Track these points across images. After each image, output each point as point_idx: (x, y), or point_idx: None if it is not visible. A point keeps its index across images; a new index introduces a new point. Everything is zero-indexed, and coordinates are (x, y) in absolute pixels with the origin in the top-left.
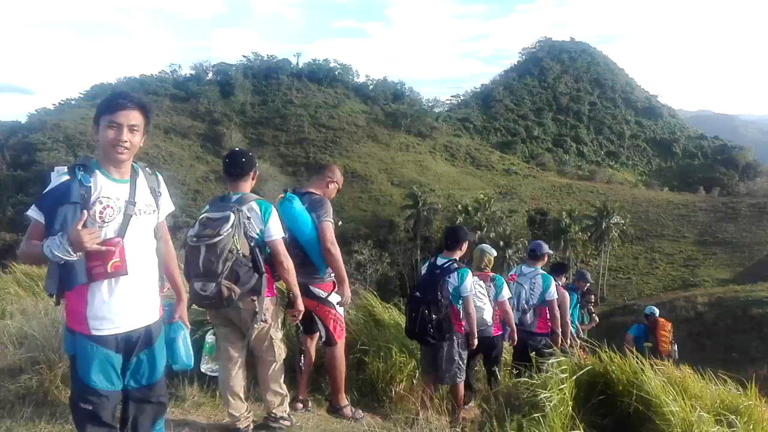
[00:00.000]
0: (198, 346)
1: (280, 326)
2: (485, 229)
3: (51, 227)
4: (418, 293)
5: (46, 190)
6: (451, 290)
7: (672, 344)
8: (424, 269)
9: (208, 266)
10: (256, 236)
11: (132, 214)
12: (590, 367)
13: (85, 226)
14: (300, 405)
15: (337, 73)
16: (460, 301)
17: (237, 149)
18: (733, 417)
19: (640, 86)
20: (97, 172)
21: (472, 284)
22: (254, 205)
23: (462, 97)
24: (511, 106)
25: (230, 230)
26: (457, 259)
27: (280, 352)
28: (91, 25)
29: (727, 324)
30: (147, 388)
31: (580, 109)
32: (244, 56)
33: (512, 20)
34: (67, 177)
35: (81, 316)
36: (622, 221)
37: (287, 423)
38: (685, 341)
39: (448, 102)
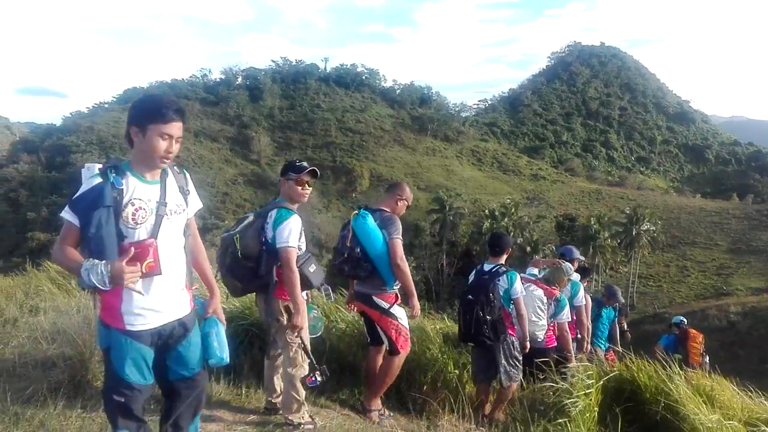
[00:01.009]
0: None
1: (299, 333)
2: (512, 234)
3: (86, 230)
4: (470, 296)
5: (79, 192)
6: (501, 293)
7: (703, 356)
8: (471, 277)
9: (218, 258)
10: (269, 240)
11: (164, 215)
12: (617, 373)
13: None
14: (375, 415)
15: (364, 77)
16: (512, 304)
17: (287, 161)
18: (765, 428)
19: (672, 91)
20: (129, 173)
21: (522, 287)
22: (274, 212)
23: (489, 102)
24: (540, 111)
25: (237, 231)
26: (503, 264)
27: (296, 357)
28: (123, 30)
29: (761, 334)
30: (190, 379)
31: (610, 114)
32: (272, 61)
33: (541, 24)
34: (99, 179)
35: (116, 312)
36: (653, 228)
37: (310, 427)
38: (718, 351)
39: (476, 106)
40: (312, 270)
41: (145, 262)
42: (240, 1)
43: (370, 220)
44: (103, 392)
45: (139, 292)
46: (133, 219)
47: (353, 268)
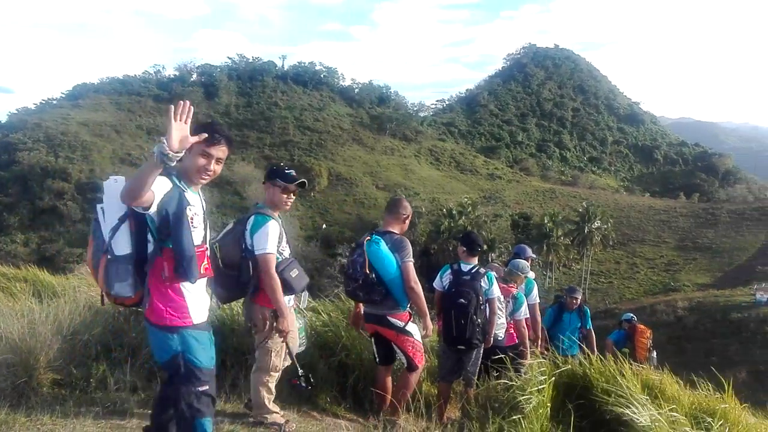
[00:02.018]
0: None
1: (277, 339)
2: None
3: (172, 224)
4: (462, 300)
5: (162, 192)
6: (483, 294)
7: (650, 351)
8: (447, 277)
9: None
10: (248, 247)
11: (207, 222)
12: (569, 369)
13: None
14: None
15: (322, 76)
16: (486, 304)
17: (273, 163)
18: (710, 419)
19: (623, 93)
20: (182, 182)
21: (498, 288)
22: (252, 218)
23: (447, 102)
24: (496, 111)
25: (217, 240)
26: (478, 264)
27: (269, 362)
28: (72, 25)
29: (706, 328)
30: None
31: (563, 115)
32: (228, 58)
33: (497, 26)
34: (170, 183)
35: (184, 309)
36: (604, 226)
37: (276, 427)
38: (666, 345)
39: (433, 106)
40: (294, 275)
41: (202, 265)
42: None
43: (383, 246)
44: (179, 395)
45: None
46: (191, 222)
47: (368, 293)
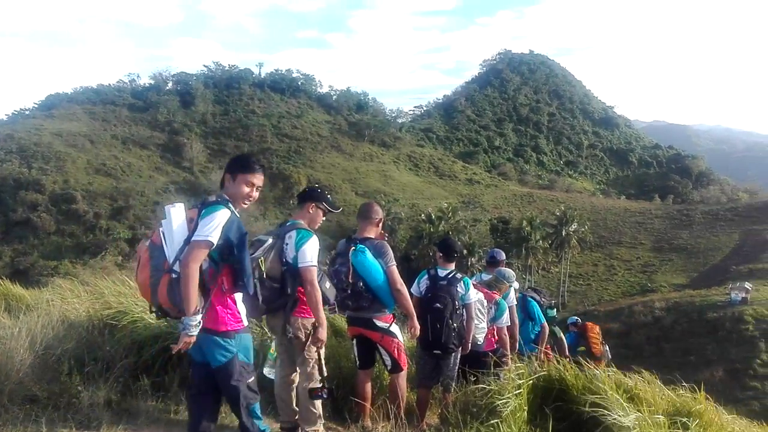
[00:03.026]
0: (263, 351)
1: (316, 349)
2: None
3: (235, 250)
4: (438, 304)
5: (221, 221)
6: (459, 299)
7: (603, 345)
8: (424, 282)
9: None
10: (290, 261)
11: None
12: (545, 373)
13: None
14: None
15: (299, 83)
16: (463, 308)
17: (316, 185)
18: (686, 420)
19: (597, 97)
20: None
21: (475, 293)
22: (294, 233)
23: (425, 108)
24: (473, 117)
25: (260, 254)
26: (455, 269)
27: (313, 372)
28: (45, 34)
29: (683, 328)
30: None
31: (539, 120)
32: (204, 66)
33: (472, 33)
34: (228, 211)
35: (239, 316)
36: (582, 229)
37: None
38: (644, 346)
39: (411, 113)
40: (327, 287)
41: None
42: (170, 5)
43: (369, 254)
44: (239, 389)
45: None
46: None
47: (356, 301)
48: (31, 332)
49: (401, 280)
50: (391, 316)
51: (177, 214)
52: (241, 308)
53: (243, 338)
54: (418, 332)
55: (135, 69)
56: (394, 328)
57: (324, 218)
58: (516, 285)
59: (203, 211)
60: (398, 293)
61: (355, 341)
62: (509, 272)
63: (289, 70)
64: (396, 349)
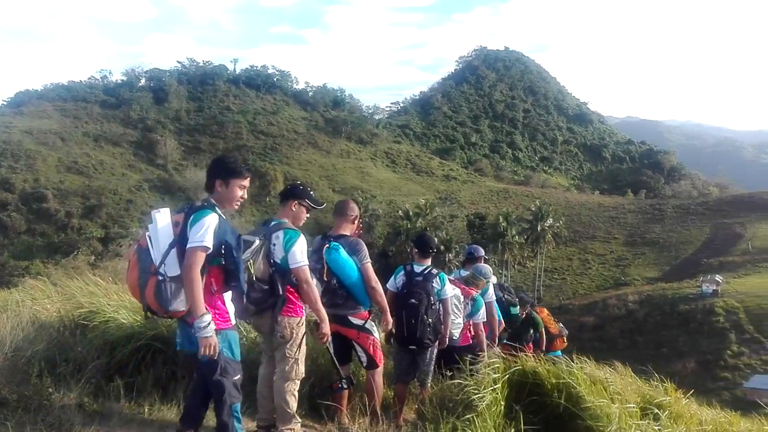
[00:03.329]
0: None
1: (301, 347)
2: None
3: (226, 253)
4: (413, 300)
5: (212, 226)
6: (435, 294)
7: (557, 322)
8: (400, 278)
9: None
10: (279, 262)
11: None
12: (520, 367)
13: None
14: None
15: (275, 79)
16: (439, 304)
17: (297, 183)
18: (658, 411)
19: (571, 94)
20: (219, 210)
21: (451, 288)
22: (281, 233)
23: (401, 105)
24: (449, 113)
25: (249, 256)
26: (431, 265)
27: (293, 370)
28: (13, 29)
29: (656, 320)
30: None
31: (515, 116)
32: (178, 62)
33: (449, 29)
34: (216, 215)
35: (227, 315)
36: (557, 224)
37: None
38: (618, 338)
39: (388, 109)
40: (315, 284)
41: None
42: (142, 0)
43: (343, 252)
44: (222, 385)
45: None
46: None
47: (331, 298)
48: (0, 334)
49: (376, 278)
50: (367, 313)
51: (162, 218)
52: (230, 307)
53: (228, 335)
54: (389, 327)
55: (107, 65)
56: (370, 325)
57: (308, 215)
58: (494, 280)
59: (192, 216)
60: (372, 290)
61: (330, 338)
62: (486, 268)
63: (264, 66)
64: (371, 346)
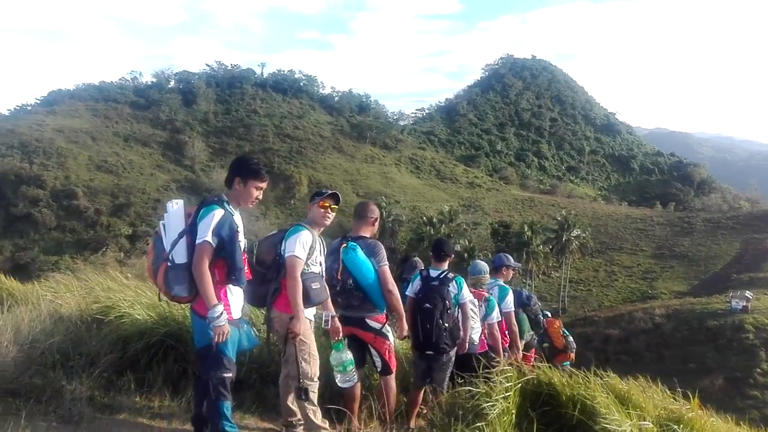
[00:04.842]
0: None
1: (305, 346)
2: (452, 241)
3: (226, 248)
4: (428, 305)
5: (215, 221)
6: (452, 298)
7: (566, 337)
8: (417, 283)
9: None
10: (282, 253)
11: (245, 237)
12: (534, 377)
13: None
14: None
15: (302, 84)
16: (458, 309)
17: (325, 190)
18: (676, 427)
19: (599, 104)
20: (229, 206)
21: (469, 292)
22: (291, 227)
23: (426, 111)
24: (475, 121)
25: (256, 240)
26: (448, 269)
27: (298, 370)
28: (47, 30)
29: (684, 335)
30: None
31: (541, 125)
32: (207, 65)
33: (474, 37)
34: (222, 210)
35: (227, 308)
36: (583, 234)
37: None
38: (644, 352)
39: (413, 115)
40: (315, 287)
41: (245, 271)
42: (172, 3)
43: (360, 252)
44: (209, 378)
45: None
46: (239, 239)
47: (346, 299)
48: (17, 326)
49: (393, 281)
50: (384, 316)
51: (175, 209)
52: (233, 302)
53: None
54: (405, 333)
55: (137, 67)
56: (386, 330)
57: (329, 212)
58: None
59: (201, 211)
60: (389, 294)
61: (346, 341)
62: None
63: (291, 71)
64: (387, 351)
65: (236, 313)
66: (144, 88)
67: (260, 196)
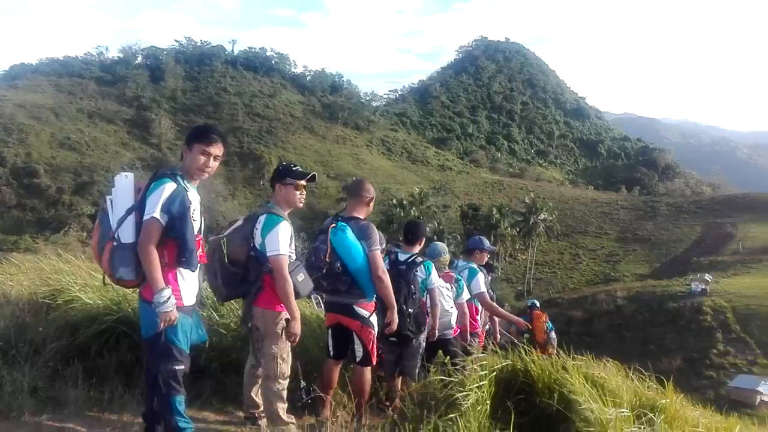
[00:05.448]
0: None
1: (280, 343)
2: (424, 225)
3: (176, 227)
4: None
5: (165, 196)
6: (419, 283)
7: (548, 332)
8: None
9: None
10: (257, 247)
11: (204, 215)
12: (509, 364)
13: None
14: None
15: (273, 62)
16: (426, 294)
17: (278, 165)
18: (652, 414)
19: (570, 88)
20: (183, 181)
21: (438, 277)
22: (263, 217)
23: (399, 92)
24: (447, 103)
25: (224, 235)
26: (417, 253)
27: (272, 368)
28: (10, 2)
29: (644, 317)
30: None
31: (512, 108)
32: (176, 41)
33: (449, 17)
34: (174, 184)
35: (177, 293)
36: (550, 218)
37: None
38: (606, 333)
39: (386, 96)
40: (300, 279)
41: (198, 253)
42: None
43: (350, 234)
44: (158, 371)
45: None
46: (192, 216)
47: (332, 283)
48: None
49: (384, 268)
50: (373, 305)
51: (123, 183)
52: (185, 288)
53: (177, 318)
54: (395, 325)
55: (103, 41)
56: (374, 319)
57: (301, 193)
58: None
59: (151, 185)
60: (379, 280)
61: (330, 330)
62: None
63: (262, 49)
64: (371, 342)
65: (188, 300)
66: (110, 64)
67: (212, 164)
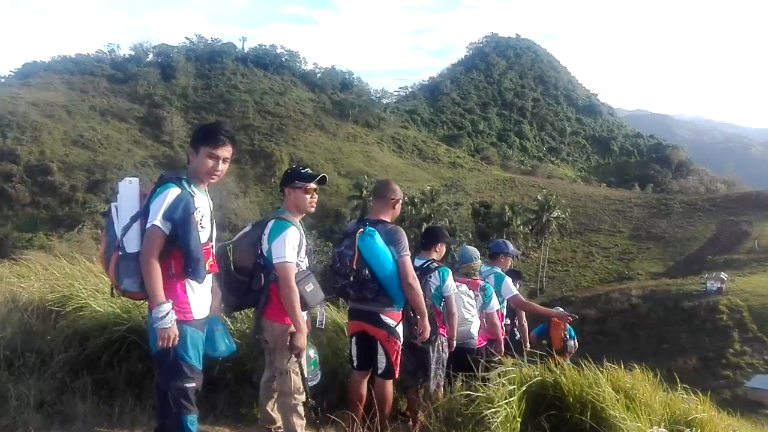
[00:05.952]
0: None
1: (295, 360)
2: (432, 222)
3: (180, 234)
4: None
5: (167, 202)
6: (432, 290)
7: (566, 340)
8: None
9: None
10: (265, 254)
11: (214, 221)
12: (539, 378)
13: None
14: None
15: (284, 59)
16: (442, 302)
17: (287, 169)
18: (688, 430)
19: (582, 84)
20: (190, 185)
21: (454, 283)
22: (272, 222)
23: (410, 90)
24: (458, 100)
25: (231, 241)
26: (435, 259)
27: (286, 383)
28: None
29: (659, 316)
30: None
31: (523, 105)
32: (186, 38)
33: (459, 14)
34: (178, 189)
35: (186, 306)
36: (562, 215)
37: None
38: (620, 332)
39: (396, 93)
40: (309, 289)
41: (208, 262)
42: None
43: (379, 239)
44: (168, 389)
45: None
46: (199, 223)
47: (359, 291)
48: None
49: (414, 274)
50: (400, 313)
51: (128, 189)
52: (195, 300)
53: (185, 331)
54: (427, 334)
55: (115, 39)
56: (400, 329)
57: (312, 196)
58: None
59: (156, 190)
60: (409, 288)
61: (354, 339)
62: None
63: (273, 46)
64: (396, 354)
65: (199, 313)
66: (121, 62)
67: (221, 168)
